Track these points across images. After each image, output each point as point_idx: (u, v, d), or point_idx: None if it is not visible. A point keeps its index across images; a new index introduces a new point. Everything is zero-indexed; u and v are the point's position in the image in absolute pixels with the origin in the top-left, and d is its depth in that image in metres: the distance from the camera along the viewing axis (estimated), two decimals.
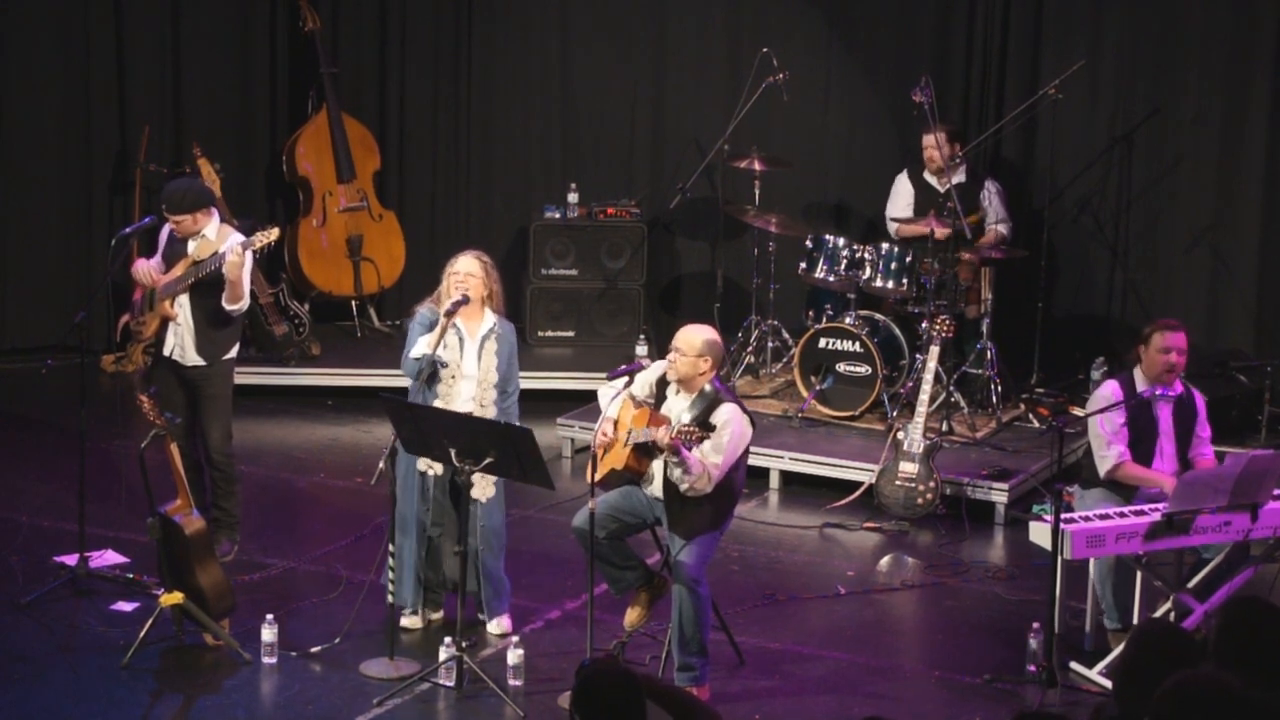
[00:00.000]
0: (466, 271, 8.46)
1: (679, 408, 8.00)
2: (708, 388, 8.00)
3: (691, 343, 7.98)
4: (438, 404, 8.35)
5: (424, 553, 8.52)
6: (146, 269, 9.21)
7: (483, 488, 8.42)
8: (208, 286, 9.07)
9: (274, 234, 9.08)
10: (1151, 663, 5.45)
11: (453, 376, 8.40)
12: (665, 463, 7.90)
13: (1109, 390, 8.68)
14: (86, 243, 12.95)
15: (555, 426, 11.26)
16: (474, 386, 8.42)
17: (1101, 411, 8.56)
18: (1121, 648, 6.54)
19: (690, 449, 7.75)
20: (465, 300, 8.39)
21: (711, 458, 7.83)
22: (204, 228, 9.12)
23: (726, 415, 7.88)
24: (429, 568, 8.60)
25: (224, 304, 9.05)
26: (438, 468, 8.40)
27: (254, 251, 9.05)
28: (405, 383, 8.71)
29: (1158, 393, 8.58)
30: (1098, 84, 12.27)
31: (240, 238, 9.03)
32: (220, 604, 8.35)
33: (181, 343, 9.18)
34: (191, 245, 9.13)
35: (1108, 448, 8.61)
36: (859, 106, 12.93)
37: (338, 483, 10.78)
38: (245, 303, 9.15)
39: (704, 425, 7.80)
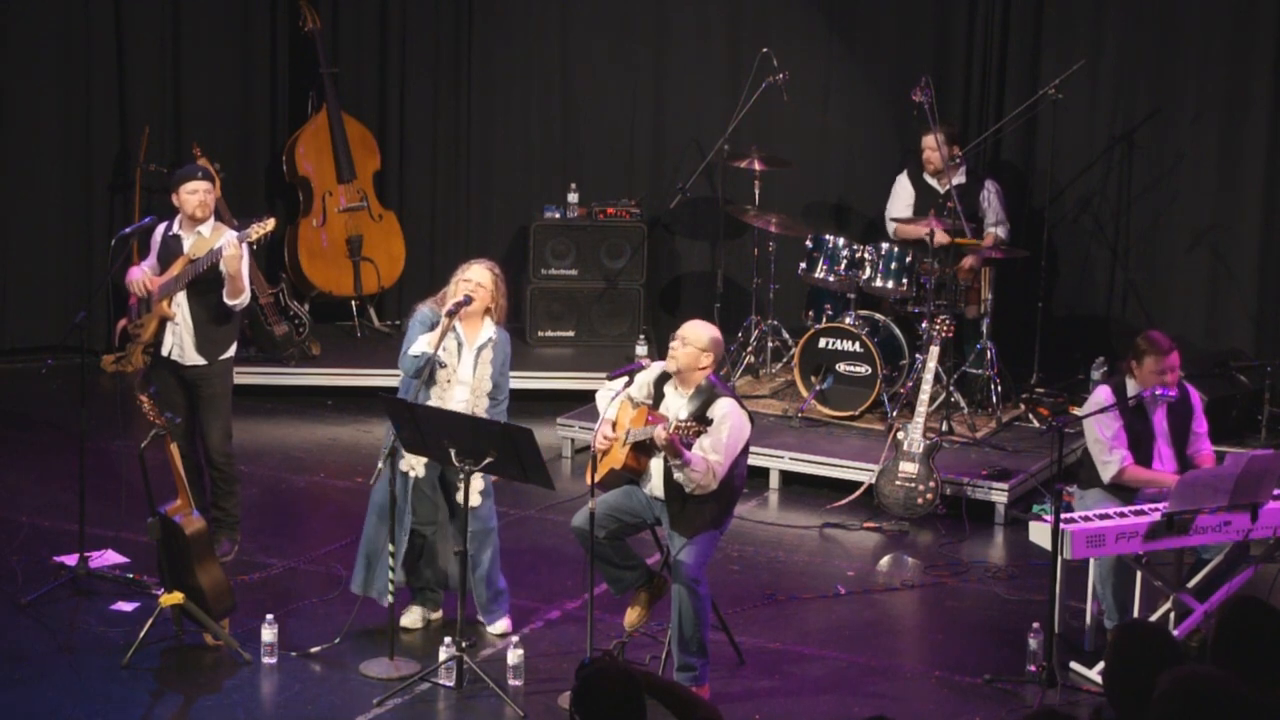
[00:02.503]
0: (478, 281, 8.47)
1: (676, 405, 7.99)
2: (704, 383, 7.99)
3: (699, 335, 7.98)
4: (433, 404, 8.35)
5: (403, 551, 8.48)
6: (140, 277, 9.17)
7: (473, 493, 8.39)
8: (205, 285, 9.07)
9: (270, 224, 9.08)
10: (1133, 663, 5.45)
11: (448, 380, 8.41)
12: (667, 463, 7.90)
13: (1103, 395, 8.68)
14: (86, 243, 12.94)
15: (555, 426, 11.26)
16: (468, 392, 8.43)
17: (1098, 413, 8.55)
18: (1105, 653, 6.54)
19: (688, 445, 7.75)
20: (468, 301, 8.39)
21: (713, 455, 7.82)
22: (210, 212, 9.14)
23: (724, 409, 7.87)
24: (426, 565, 8.60)
25: (225, 299, 9.05)
26: (419, 469, 8.40)
27: (251, 243, 9.05)
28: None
29: (1158, 393, 8.56)
30: (1098, 84, 12.27)
31: (235, 234, 9.04)
32: (220, 604, 8.35)
33: (180, 342, 9.17)
34: (187, 244, 9.13)
35: (1109, 453, 8.60)
36: (859, 106, 12.93)
37: (338, 483, 10.78)
38: (246, 296, 9.15)
39: (701, 420, 7.79)
